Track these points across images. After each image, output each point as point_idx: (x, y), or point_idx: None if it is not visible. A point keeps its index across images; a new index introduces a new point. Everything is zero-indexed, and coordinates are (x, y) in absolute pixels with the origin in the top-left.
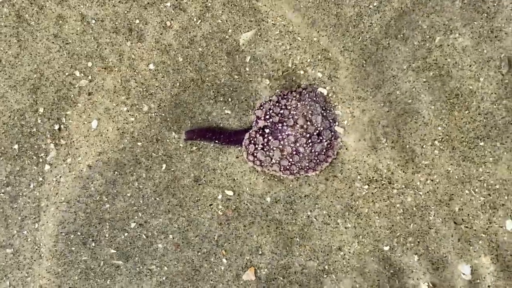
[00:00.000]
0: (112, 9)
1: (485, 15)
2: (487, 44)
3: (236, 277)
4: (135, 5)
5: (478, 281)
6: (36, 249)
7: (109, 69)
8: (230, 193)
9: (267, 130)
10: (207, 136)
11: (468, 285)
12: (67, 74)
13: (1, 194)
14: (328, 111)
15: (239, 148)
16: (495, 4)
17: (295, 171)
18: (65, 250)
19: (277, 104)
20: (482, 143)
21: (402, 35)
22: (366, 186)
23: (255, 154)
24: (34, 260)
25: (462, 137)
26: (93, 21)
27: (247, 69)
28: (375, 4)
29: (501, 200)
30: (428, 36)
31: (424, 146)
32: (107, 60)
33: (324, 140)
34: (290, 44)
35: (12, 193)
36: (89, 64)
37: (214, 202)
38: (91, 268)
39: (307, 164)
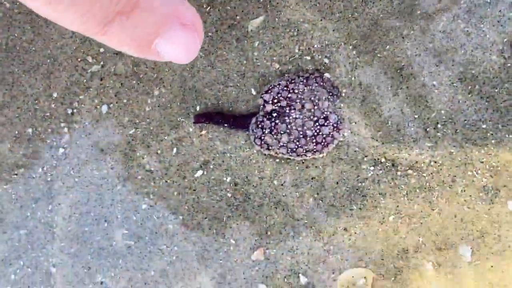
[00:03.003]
0: None
1: (488, 1)
2: (490, 29)
3: (245, 257)
4: None
5: (479, 262)
6: (49, 229)
7: (120, 54)
8: (238, 176)
9: (274, 114)
10: (216, 120)
11: (469, 265)
12: (79, 59)
13: (14, 176)
14: (334, 96)
15: (247, 132)
16: None
17: (302, 153)
18: (78, 230)
19: (286, 88)
20: (484, 126)
21: (406, 19)
22: (372, 168)
23: (262, 137)
24: (48, 241)
25: (464, 120)
26: None
27: (255, 54)
28: None
29: (503, 182)
30: (432, 19)
31: (427, 129)
32: None
33: (331, 123)
34: (297, 31)
35: (26, 175)
36: (101, 49)
37: (223, 185)
38: (103, 248)
39: (314, 147)
